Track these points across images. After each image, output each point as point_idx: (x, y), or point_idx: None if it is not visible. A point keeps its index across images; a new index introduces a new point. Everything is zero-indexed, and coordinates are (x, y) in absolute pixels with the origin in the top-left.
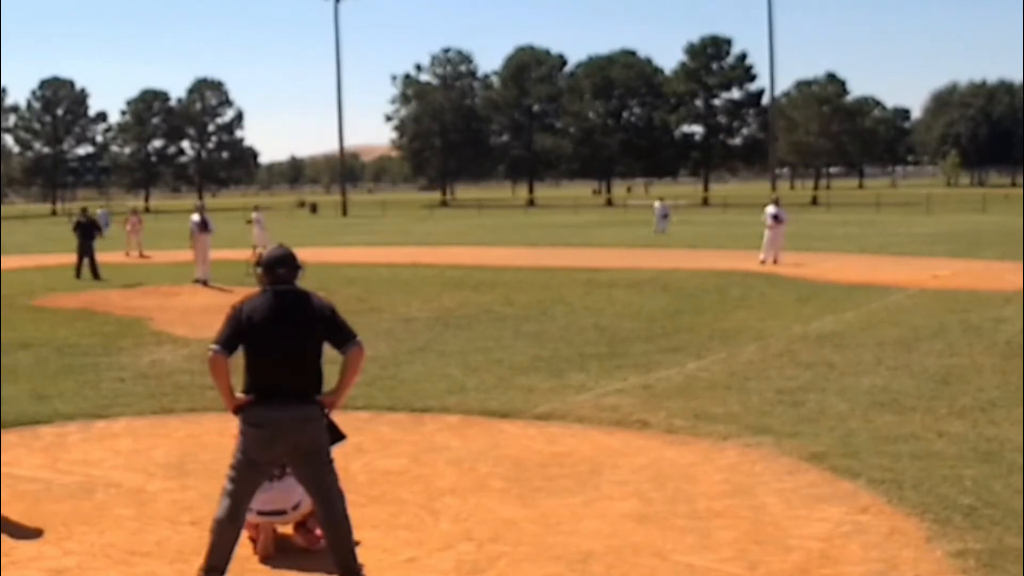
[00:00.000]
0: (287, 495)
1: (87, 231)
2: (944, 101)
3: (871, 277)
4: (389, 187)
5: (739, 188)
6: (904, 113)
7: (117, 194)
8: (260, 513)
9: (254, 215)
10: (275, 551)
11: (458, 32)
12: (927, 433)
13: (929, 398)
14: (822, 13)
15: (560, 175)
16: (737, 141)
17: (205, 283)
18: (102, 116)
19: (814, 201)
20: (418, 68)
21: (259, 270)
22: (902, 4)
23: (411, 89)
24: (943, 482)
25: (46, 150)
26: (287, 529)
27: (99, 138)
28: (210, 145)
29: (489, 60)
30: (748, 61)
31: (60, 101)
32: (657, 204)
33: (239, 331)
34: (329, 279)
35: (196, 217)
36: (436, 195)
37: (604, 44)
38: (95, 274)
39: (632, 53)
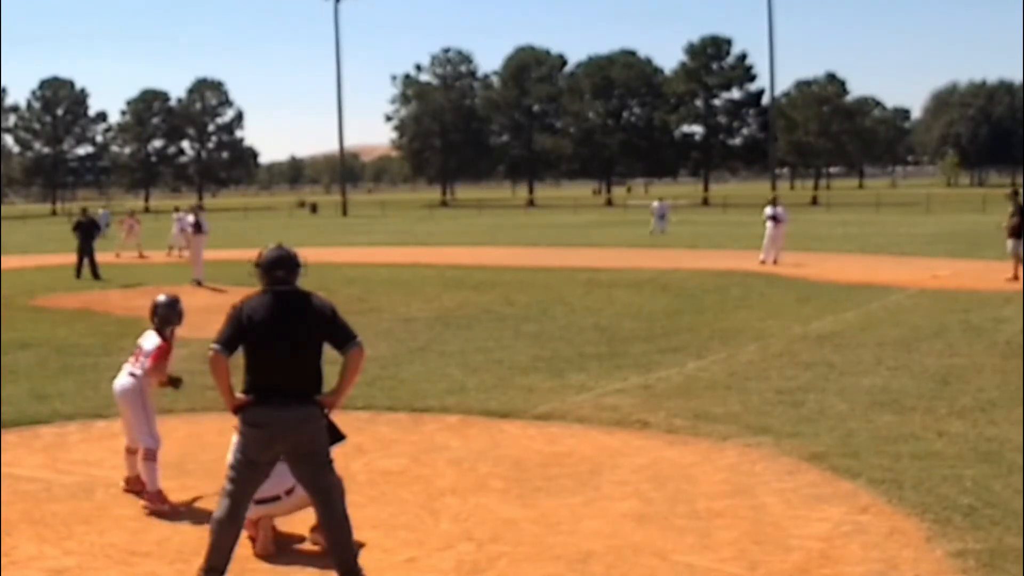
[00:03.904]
0: (280, 481)
1: (87, 231)
2: (944, 101)
3: (871, 277)
4: (389, 187)
5: (739, 188)
6: (904, 113)
7: (117, 194)
8: (255, 502)
9: (176, 215)
10: (275, 549)
11: (458, 32)
12: (927, 433)
13: (929, 398)
14: (822, 13)
15: (560, 175)
16: (737, 141)
17: (199, 283)
18: (102, 116)
19: (814, 201)
20: (418, 68)
21: (258, 270)
22: (902, 4)
23: (411, 89)
24: (943, 482)
25: (46, 150)
26: (291, 528)
27: (99, 138)
28: (210, 145)
29: (489, 60)
30: (748, 61)
31: (60, 101)
32: (655, 204)
33: (239, 331)
34: (329, 279)
35: (191, 218)
36: (436, 195)
37: (604, 44)
38: (95, 274)
39: (632, 53)
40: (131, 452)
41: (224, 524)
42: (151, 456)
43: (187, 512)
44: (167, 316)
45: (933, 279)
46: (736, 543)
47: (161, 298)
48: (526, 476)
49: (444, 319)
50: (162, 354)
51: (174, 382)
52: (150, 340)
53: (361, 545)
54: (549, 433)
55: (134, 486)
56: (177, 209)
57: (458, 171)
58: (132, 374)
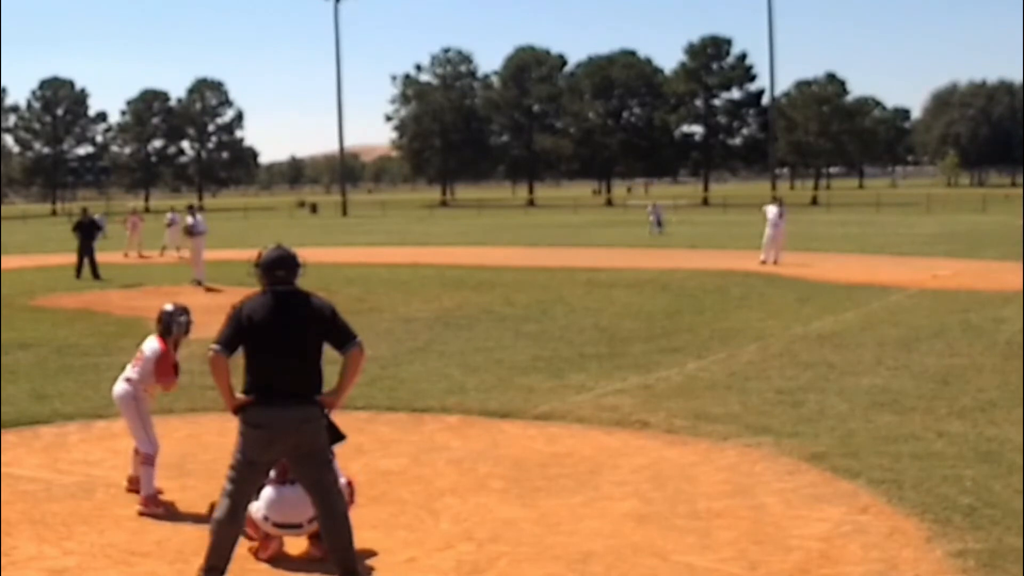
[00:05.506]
0: (303, 508)
1: (87, 231)
2: (944, 101)
3: (871, 277)
4: (389, 187)
5: (739, 188)
6: (904, 113)
7: (117, 194)
8: (277, 525)
9: (169, 216)
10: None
11: (458, 32)
12: (927, 433)
13: (929, 398)
14: (822, 13)
15: (560, 175)
16: (737, 141)
17: (200, 283)
18: (102, 116)
19: (814, 201)
20: (418, 68)
21: (258, 271)
22: (902, 4)
23: (411, 89)
24: (943, 482)
25: (46, 150)
26: (297, 548)
27: (99, 138)
28: (210, 145)
29: (489, 60)
30: (748, 61)
31: (60, 101)
32: (650, 206)
33: (239, 331)
34: (329, 279)
35: (189, 219)
36: (436, 195)
37: (604, 44)
38: (95, 274)
39: (632, 53)
40: (137, 452)
41: (224, 524)
42: (148, 461)
43: (186, 512)
44: (169, 324)
45: (933, 279)
46: (736, 543)
47: (168, 307)
48: (526, 476)
49: (444, 319)
50: (165, 362)
51: (174, 367)
52: (150, 346)
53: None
54: (549, 433)
55: (136, 486)
56: (173, 210)
57: (458, 171)
58: (127, 379)
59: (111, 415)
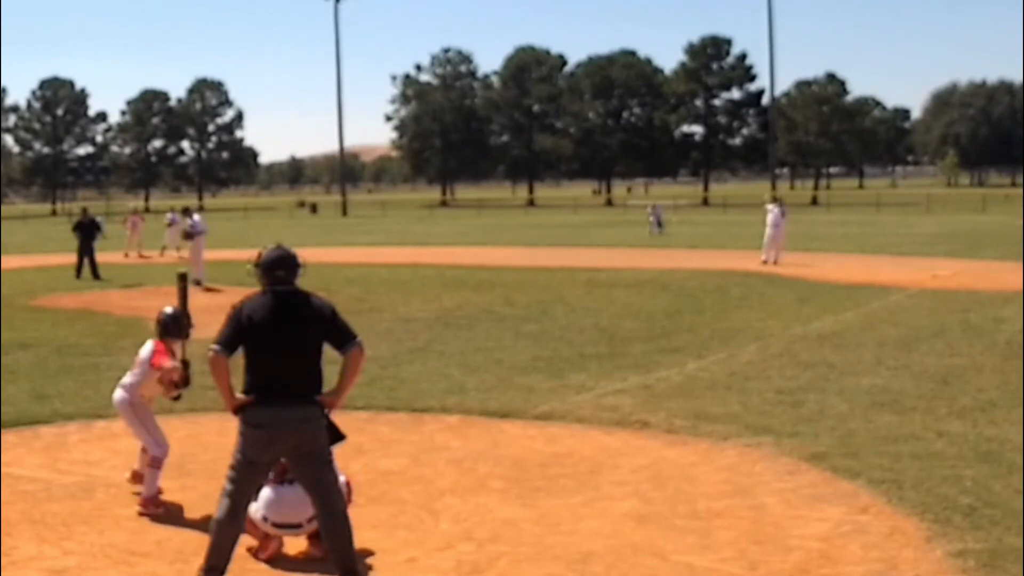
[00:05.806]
0: (302, 507)
1: (87, 231)
2: (944, 101)
3: (871, 277)
4: (389, 187)
5: (739, 188)
6: (904, 113)
7: (117, 194)
8: (276, 525)
9: (169, 216)
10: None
11: (458, 32)
12: (927, 433)
13: (929, 398)
14: (822, 13)
15: (560, 175)
16: (737, 141)
17: (199, 283)
18: (102, 116)
19: (814, 201)
20: (418, 68)
21: (258, 271)
22: (902, 4)
23: (411, 89)
24: (943, 482)
25: (46, 150)
26: (296, 547)
27: (99, 138)
28: (210, 145)
29: (489, 60)
30: (748, 61)
31: (60, 101)
32: (650, 208)
33: (239, 331)
34: (329, 279)
35: (188, 221)
36: (436, 195)
37: (604, 44)
38: (95, 274)
39: (632, 53)
40: (144, 451)
41: (224, 524)
42: (156, 464)
43: (186, 512)
44: (167, 327)
45: (933, 279)
46: (736, 543)
47: (167, 309)
48: (526, 476)
49: (444, 319)
50: (159, 356)
51: (185, 364)
52: (146, 348)
53: (367, 554)
54: (549, 433)
55: (139, 480)
56: (173, 210)
57: (458, 171)
58: (123, 386)
59: (111, 415)
